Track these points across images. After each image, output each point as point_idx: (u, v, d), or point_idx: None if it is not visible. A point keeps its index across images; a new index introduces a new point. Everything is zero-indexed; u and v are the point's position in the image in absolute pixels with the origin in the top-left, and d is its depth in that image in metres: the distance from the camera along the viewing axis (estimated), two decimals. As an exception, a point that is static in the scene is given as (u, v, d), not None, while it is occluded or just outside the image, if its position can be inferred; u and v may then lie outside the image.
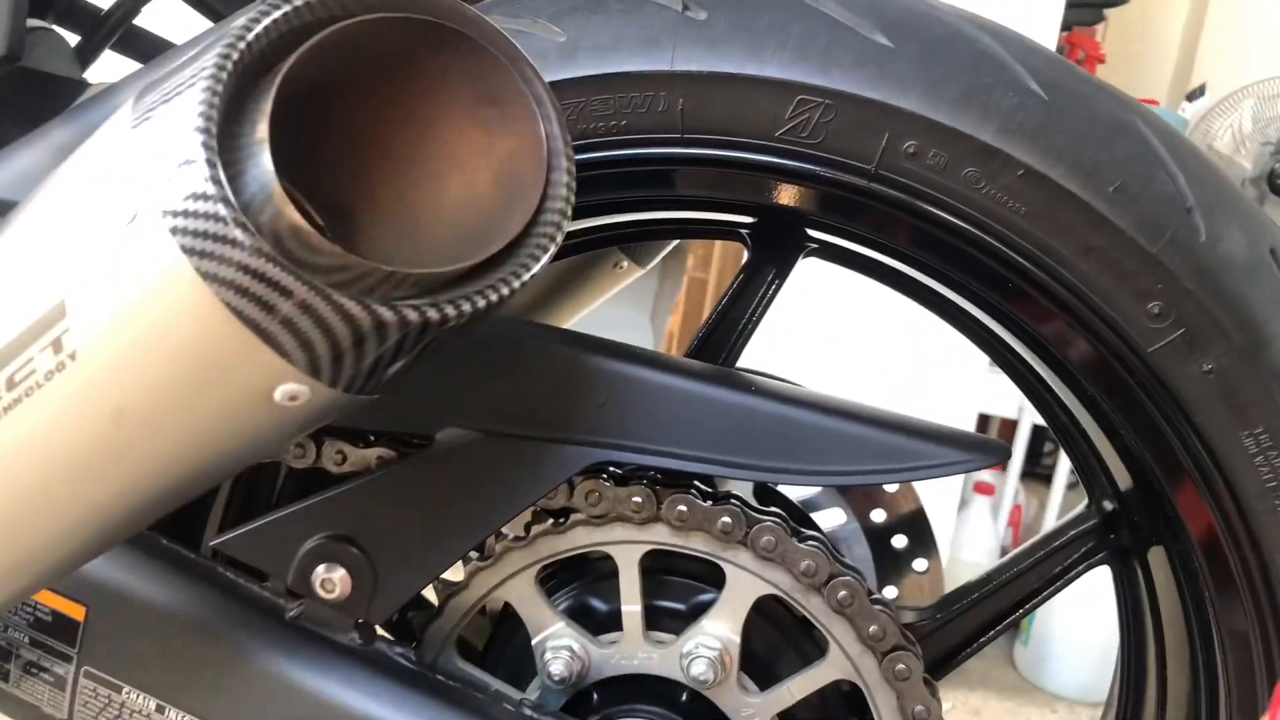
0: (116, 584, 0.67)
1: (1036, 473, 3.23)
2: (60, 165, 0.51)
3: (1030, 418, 2.48)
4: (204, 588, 0.67)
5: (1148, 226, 0.64)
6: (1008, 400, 2.41)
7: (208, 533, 0.76)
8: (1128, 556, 0.79)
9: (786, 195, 0.71)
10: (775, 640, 0.71)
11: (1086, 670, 2.24)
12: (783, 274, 0.81)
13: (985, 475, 2.48)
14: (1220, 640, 0.69)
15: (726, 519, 0.66)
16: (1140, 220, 0.64)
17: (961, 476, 2.25)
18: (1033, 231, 0.65)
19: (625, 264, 1.08)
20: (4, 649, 0.69)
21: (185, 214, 0.43)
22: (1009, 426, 2.59)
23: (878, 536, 1.04)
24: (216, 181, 0.43)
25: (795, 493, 0.99)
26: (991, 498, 2.47)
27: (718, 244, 2.44)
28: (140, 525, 0.54)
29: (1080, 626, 2.25)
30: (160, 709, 0.66)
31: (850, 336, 2.13)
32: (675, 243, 1.11)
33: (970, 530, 2.39)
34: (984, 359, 2.18)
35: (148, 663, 0.67)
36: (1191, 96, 2.74)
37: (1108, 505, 0.78)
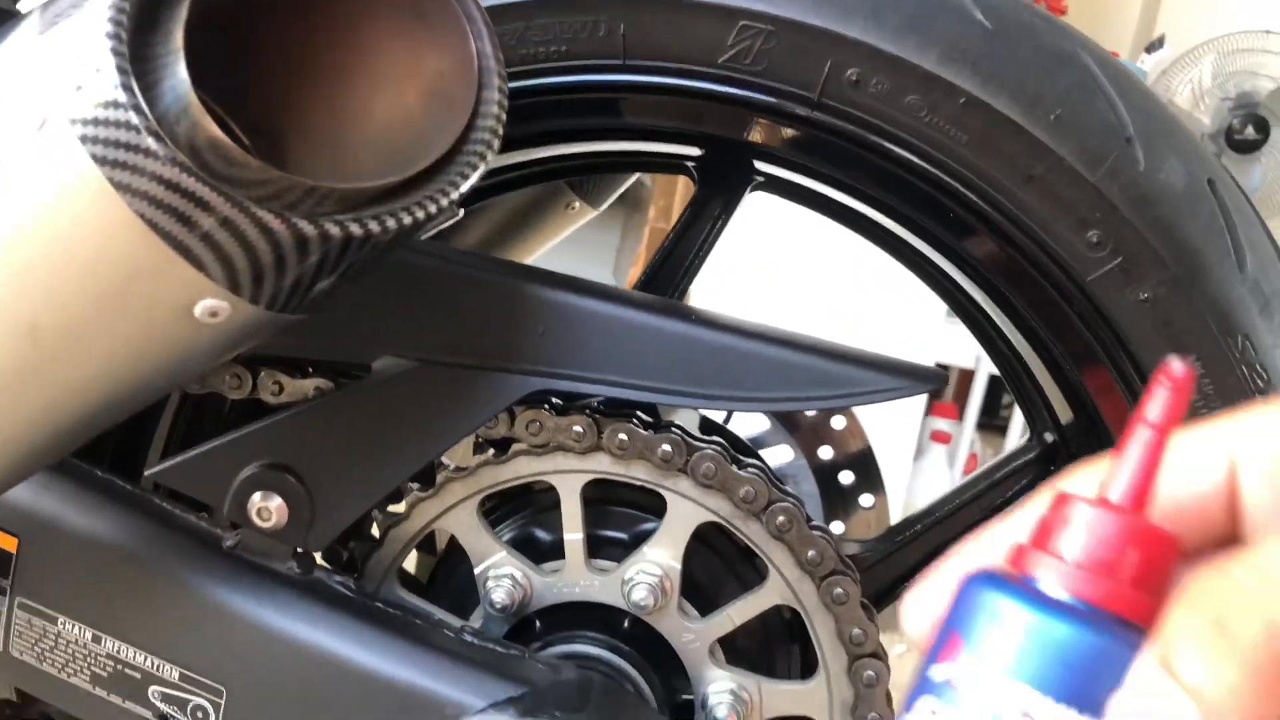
0: (49, 515, 0.66)
1: (994, 424, 3.27)
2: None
3: (987, 368, 2.51)
4: (140, 518, 0.66)
5: (1088, 155, 0.64)
6: (965, 350, 2.44)
7: (148, 464, 0.75)
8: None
9: (731, 125, 0.71)
10: (715, 567, 0.72)
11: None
12: (729, 208, 0.80)
13: (942, 424, 2.51)
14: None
15: (667, 447, 0.66)
16: (1080, 149, 0.64)
17: (918, 425, 2.27)
18: (974, 160, 0.65)
19: (577, 204, 1.07)
20: (-64, 582, 0.68)
21: (95, 122, 0.42)
22: (966, 377, 2.61)
23: (825, 473, 1.05)
24: (128, 89, 0.42)
25: (743, 430, 0.99)
26: (948, 446, 2.50)
27: (678, 195, 2.43)
28: (68, 446, 0.53)
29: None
30: (96, 639, 0.66)
31: (806, 286, 2.13)
32: (628, 183, 1.10)
33: (925, 478, 2.42)
34: (942, 307, 2.19)
35: (83, 593, 0.66)
36: (1150, 48, 2.74)
37: (1049, 438, 0.79)
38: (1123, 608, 0.31)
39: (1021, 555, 0.33)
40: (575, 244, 1.19)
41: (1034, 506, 0.34)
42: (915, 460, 2.39)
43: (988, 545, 0.35)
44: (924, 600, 0.35)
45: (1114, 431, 0.69)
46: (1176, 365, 0.32)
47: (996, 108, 0.63)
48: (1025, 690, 0.31)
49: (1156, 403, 0.32)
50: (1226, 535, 0.33)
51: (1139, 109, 0.65)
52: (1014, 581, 0.33)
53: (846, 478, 1.05)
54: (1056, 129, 0.63)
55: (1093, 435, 0.72)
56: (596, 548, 0.71)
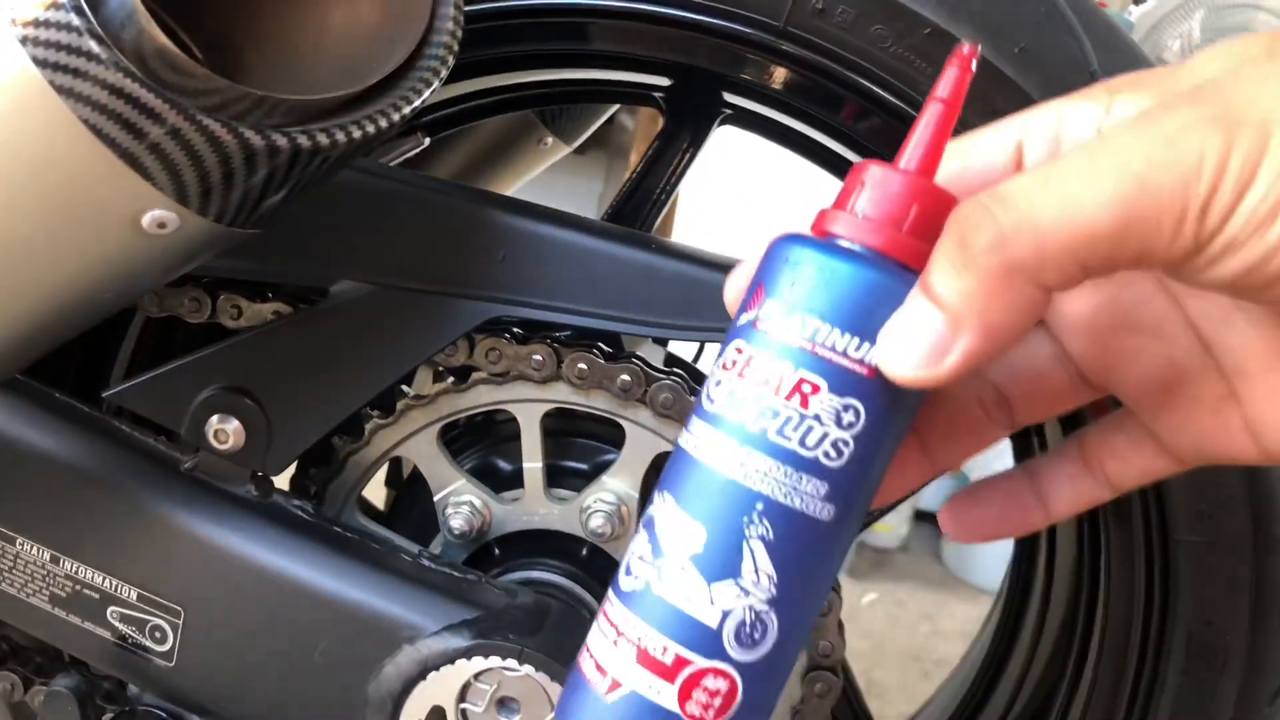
0: (8, 436, 0.66)
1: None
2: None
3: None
4: (98, 440, 0.66)
5: (1053, 89, 0.64)
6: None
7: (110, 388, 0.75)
8: (1025, 431, 0.81)
9: (698, 53, 0.70)
10: (674, 498, 0.72)
11: (1007, 564, 2.31)
12: (698, 142, 0.80)
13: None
14: (1105, 519, 0.71)
15: (626, 377, 0.66)
16: (1044, 83, 0.63)
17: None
18: (939, 93, 0.65)
19: (550, 140, 1.07)
20: (-106, 502, 0.68)
21: (36, 23, 0.42)
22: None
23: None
24: (69, -10, 0.41)
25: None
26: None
27: (662, 139, 2.42)
28: (18, 362, 0.53)
29: (1004, 522, 2.32)
30: (55, 559, 0.66)
31: (779, 220, 2.12)
32: (600, 119, 1.09)
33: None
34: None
35: (41, 514, 0.66)
36: (1139, 0, 2.72)
37: (1009, 377, 0.79)
38: (901, 253, 0.36)
39: (821, 216, 0.38)
40: (557, 189, 1.19)
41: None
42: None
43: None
44: (740, 275, 0.40)
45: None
46: (965, 47, 0.37)
47: (961, 39, 0.63)
48: (815, 321, 0.35)
49: (946, 81, 0.37)
50: None
51: (1104, 43, 0.65)
52: (811, 236, 0.38)
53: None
54: (1021, 62, 0.63)
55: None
56: (556, 478, 0.72)
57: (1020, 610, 0.88)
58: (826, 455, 0.36)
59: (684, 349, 1.04)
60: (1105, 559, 0.71)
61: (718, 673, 0.36)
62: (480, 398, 0.69)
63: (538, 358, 0.66)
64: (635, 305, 0.63)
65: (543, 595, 0.67)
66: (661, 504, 0.38)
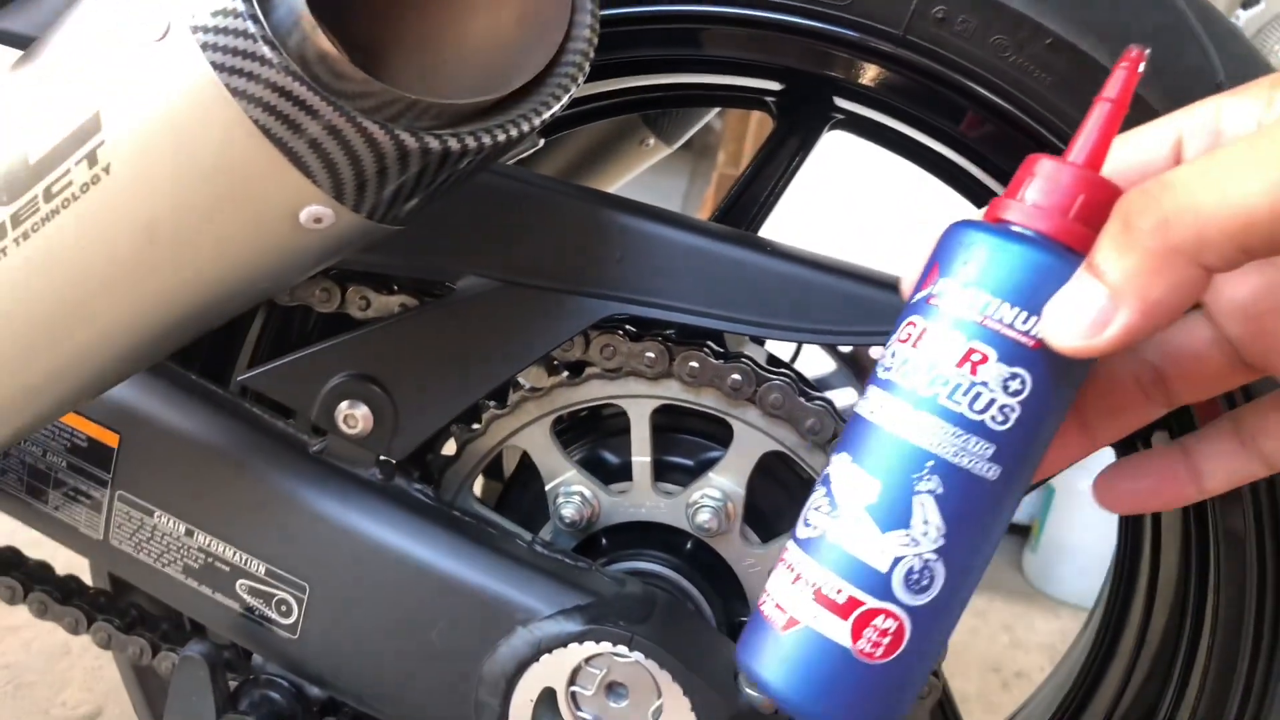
0: (149, 414, 0.70)
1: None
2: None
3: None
4: (232, 421, 0.70)
5: (1176, 99, 0.63)
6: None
7: (237, 371, 0.79)
8: (1131, 439, 0.80)
9: (813, 60, 0.71)
10: (779, 496, 0.73)
11: (1092, 577, 2.26)
12: (807, 146, 0.81)
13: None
14: (1216, 540, 0.70)
15: (737, 376, 0.67)
16: (1168, 93, 0.63)
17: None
18: (1058, 102, 0.65)
19: (652, 141, 1.09)
20: (43, 473, 0.73)
21: (215, 30, 0.45)
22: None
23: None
24: (246, -1, 0.44)
25: (811, 371, 1.00)
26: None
27: (749, 140, 2.42)
28: (171, 346, 0.57)
29: (1089, 535, 2.28)
30: (189, 533, 0.70)
31: (882, 230, 2.12)
32: (704, 120, 1.11)
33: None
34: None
35: (177, 489, 0.70)
36: (1246, 3, 2.64)
37: (1116, 387, 0.79)
38: (1067, 237, 0.39)
39: (993, 204, 0.42)
40: (642, 188, 1.21)
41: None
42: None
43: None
44: (914, 266, 0.44)
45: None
46: (1134, 50, 0.41)
47: (1083, 49, 0.63)
48: (986, 296, 0.39)
49: (1114, 81, 0.41)
50: None
51: (1231, 53, 0.64)
52: (984, 222, 0.42)
53: (909, 422, 1.05)
54: (1144, 72, 0.63)
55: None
56: (663, 472, 0.74)
57: (1119, 626, 0.87)
58: (994, 419, 0.39)
59: (781, 349, 1.05)
60: (1215, 575, 0.71)
61: (888, 614, 0.40)
62: (593, 392, 0.71)
63: (650, 355, 0.68)
64: (748, 306, 0.65)
65: (649, 586, 0.69)
66: (839, 463, 0.42)
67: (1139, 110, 0.63)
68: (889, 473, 0.40)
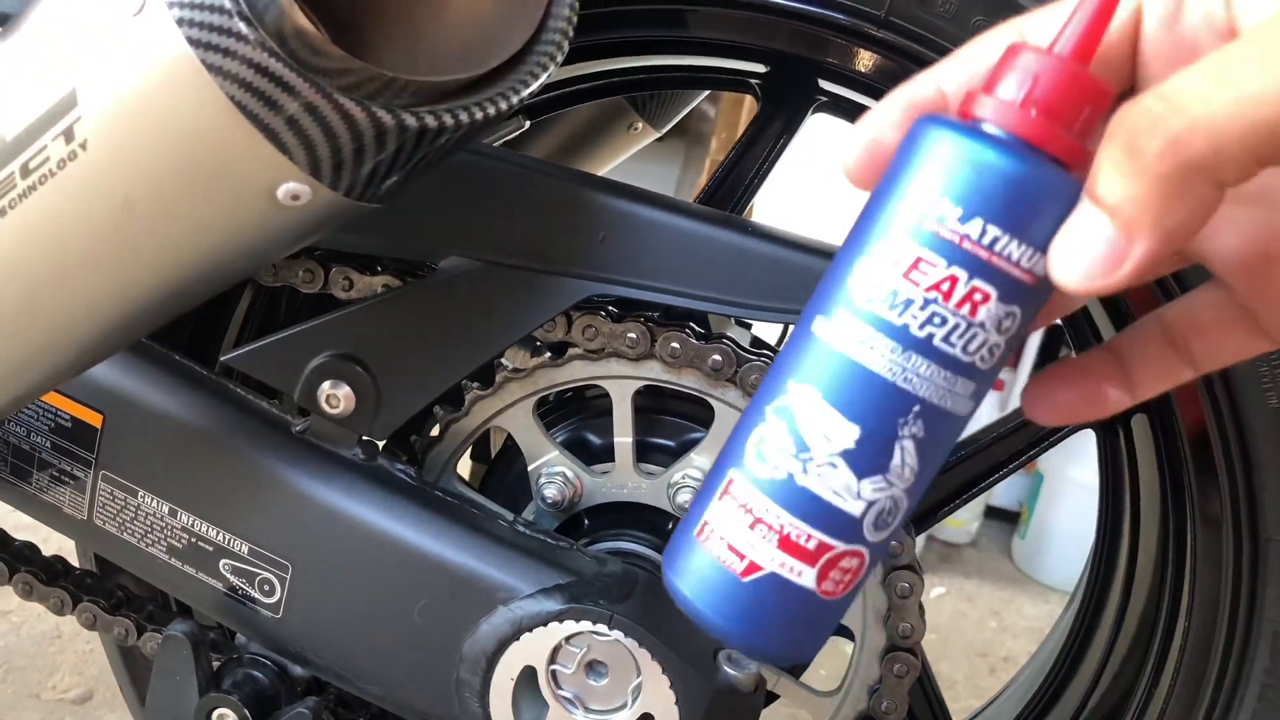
0: (132, 394, 0.70)
1: (1051, 376, 3.23)
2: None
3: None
4: (215, 401, 0.70)
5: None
6: (1025, 297, 2.41)
7: (222, 352, 0.79)
8: (1111, 423, 0.81)
9: (798, 42, 0.71)
10: (760, 477, 0.74)
11: (1080, 564, 2.27)
12: (791, 128, 0.81)
13: (997, 371, 2.49)
14: (1193, 524, 0.71)
15: (717, 357, 0.67)
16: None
17: (972, 370, 2.26)
18: (1040, 85, 0.65)
19: (640, 125, 1.09)
20: (27, 453, 0.73)
21: (191, 5, 0.44)
22: (1025, 324, 2.58)
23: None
24: (221, -26, 0.44)
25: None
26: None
27: (741, 128, 2.42)
28: (151, 324, 0.57)
29: (1078, 522, 2.29)
30: (173, 512, 0.70)
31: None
32: (691, 105, 1.11)
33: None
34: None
35: (161, 469, 0.70)
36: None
37: (1097, 371, 0.79)
38: (1060, 150, 0.36)
39: (970, 99, 0.37)
40: (635, 175, 1.21)
41: (981, 50, 0.39)
42: (966, 405, 2.38)
43: (928, 83, 0.40)
44: (870, 134, 0.40)
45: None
46: None
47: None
48: (994, 230, 0.35)
49: None
50: (1128, 89, 0.38)
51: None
52: (960, 122, 0.37)
53: (894, 406, 1.05)
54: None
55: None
56: (645, 453, 0.74)
57: (1097, 609, 0.88)
58: (982, 359, 0.37)
59: (767, 331, 1.05)
60: (1191, 558, 0.71)
61: (854, 554, 0.39)
62: (575, 373, 0.71)
63: (632, 335, 0.68)
64: (730, 287, 0.65)
65: (631, 565, 0.70)
66: (804, 399, 0.38)
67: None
68: (871, 418, 0.37)
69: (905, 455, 0.37)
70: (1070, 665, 0.87)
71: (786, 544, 0.38)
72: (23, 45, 0.50)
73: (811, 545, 0.38)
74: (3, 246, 0.51)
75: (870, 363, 0.37)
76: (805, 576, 0.38)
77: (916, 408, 0.37)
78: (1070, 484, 2.32)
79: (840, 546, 0.38)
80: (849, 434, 0.37)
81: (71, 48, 0.48)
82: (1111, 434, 0.81)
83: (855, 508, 0.38)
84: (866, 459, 0.37)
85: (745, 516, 0.39)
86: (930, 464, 0.38)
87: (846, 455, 0.37)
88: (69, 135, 0.48)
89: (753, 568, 0.39)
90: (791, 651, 0.40)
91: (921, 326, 0.36)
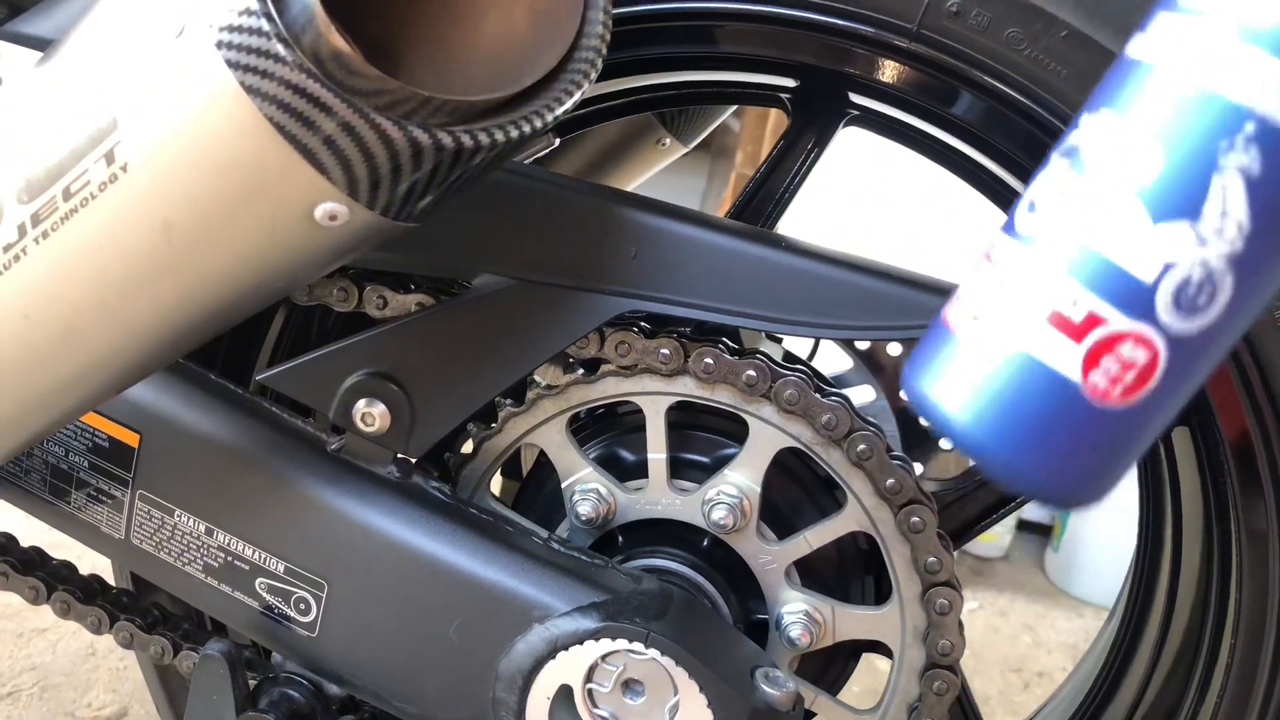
0: (168, 414, 0.70)
1: (1081, 387, 3.20)
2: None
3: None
4: (251, 420, 0.70)
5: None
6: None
7: (256, 371, 0.79)
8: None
9: (828, 56, 0.71)
10: (794, 492, 0.73)
11: (1115, 577, 2.24)
12: (822, 142, 0.81)
13: (1027, 383, 2.47)
14: (1238, 538, 0.70)
15: (751, 372, 0.67)
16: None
17: (1002, 382, 2.24)
18: (1074, 96, 0.64)
19: (668, 140, 1.09)
20: (65, 473, 0.73)
21: (230, 29, 0.45)
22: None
23: (907, 415, 1.05)
24: (260, -3, 0.45)
25: (828, 369, 1.00)
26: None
27: (766, 141, 2.42)
28: (190, 343, 0.57)
29: (1112, 534, 2.26)
30: (209, 531, 0.70)
31: (895, 231, 2.11)
32: (718, 120, 1.11)
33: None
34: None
35: (197, 488, 0.70)
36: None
37: (1136, 383, 0.78)
38: None
39: None
40: (660, 188, 1.21)
41: None
42: (996, 417, 2.35)
43: None
44: None
45: (1207, 390, 0.68)
46: None
47: (1099, 41, 0.63)
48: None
49: None
50: None
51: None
52: None
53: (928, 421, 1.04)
54: (1161, 64, 0.63)
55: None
56: (679, 469, 0.74)
57: (1139, 626, 0.86)
58: None
59: (799, 346, 1.05)
60: (1237, 573, 0.70)
61: (1139, 339, 0.29)
62: (608, 389, 0.71)
63: (665, 351, 0.68)
64: (763, 302, 0.65)
65: (665, 583, 0.69)
66: (1096, 125, 0.30)
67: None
68: (1180, 137, 0.27)
69: (1228, 199, 0.27)
70: (1112, 683, 0.86)
71: (1044, 309, 0.29)
72: (64, 70, 0.51)
73: (1079, 314, 0.28)
74: (45, 269, 0.51)
75: (1181, 62, 0.28)
76: (1065, 359, 0.28)
77: (1250, 126, 0.27)
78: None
79: (1118, 322, 0.28)
80: (1148, 161, 0.28)
81: (112, 71, 0.48)
82: (1151, 447, 0.80)
83: (1146, 267, 0.28)
84: (1170, 197, 0.28)
85: (996, 277, 0.30)
86: (1276, 231, 0.27)
87: (1142, 192, 0.28)
88: (110, 158, 0.48)
89: (999, 343, 0.29)
90: (1051, 474, 0.30)
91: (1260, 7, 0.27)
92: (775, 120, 2.34)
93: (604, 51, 0.54)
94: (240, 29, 0.45)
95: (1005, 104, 0.66)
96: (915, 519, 0.68)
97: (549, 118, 0.51)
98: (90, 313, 0.53)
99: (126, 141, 0.48)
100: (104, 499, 0.73)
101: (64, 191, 0.50)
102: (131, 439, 0.71)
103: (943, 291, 0.64)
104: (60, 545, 0.79)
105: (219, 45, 0.45)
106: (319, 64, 0.46)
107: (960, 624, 0.70)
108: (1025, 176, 0.71)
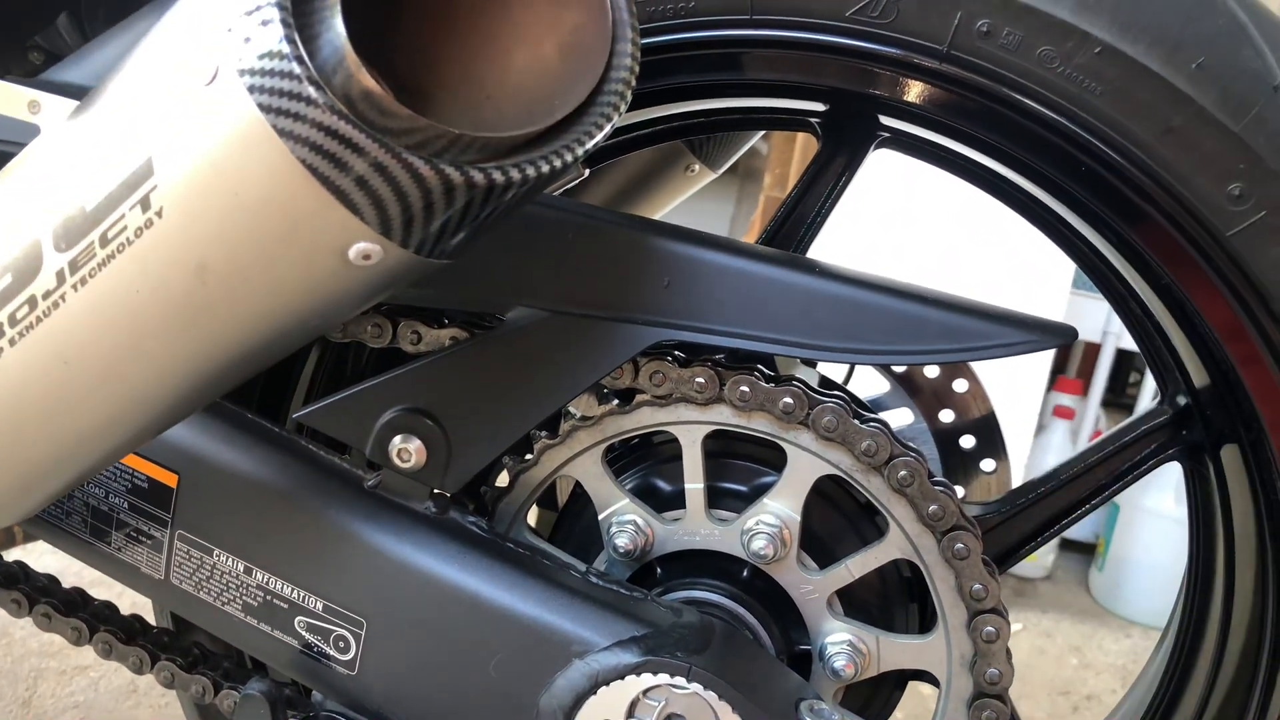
0: (206, 453, 0.71)
1: (1120, 403, 3.16)
2: (144, 40, 0.53)
3: (1114, 342, 2.43)
4: (288, 458, 0.70)
5: (1231, 105, 0.62)
6: (1091, 323, 2.37)
7: (292, 409, 0.79)
8: (1199, 453, 0.78)
9: (858, 79, 0.70)
10: (835, 521, 0.72)
11: (1162, 596, 2.21)
12: (853, 166, 0.80)
13: (1066, 400, 2.44)
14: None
15: (789, 399, 0.66)
16: (1224, 98, 0.62)
17: (1039, 400, 2.22)
18: (1109, 112, 0.64)
19: (697, 167, 1.09)
20: (105, 514, 0.74)
21: (262, 72, 0.45)
22: (1092, 351, 2.53)
23: (946, 437, 1.04)
24: (291, 40, 0.45)
25: (862, 392, 0.99)
26: (1071, 422, 2.43)
27: (794, 164, 2.41)
28: (227, 385, 0.57)
29: (1158, 552, 2.22)
30: (248, 570, 0.70)
31: (924, 259, 2.10)
32: (747, 145, 1.11)
33: (1046, 454, 2.36)
34: (1067, 280, 2.13)
35: (236, 527, 0.70)
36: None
37: (1181, 401, 0.77)
38: None
39: None
40: (688, 214, 1.21)
41: None
42: (1036, 436, 2.33)
43: None
44: None
45: (1254, 394, 0.67)
46: None
47: (1133, 56, 0.62)
48: None
49: None
50: None
51: (1288, 55, 0.62)
52: None
53: (968, 442, 1.03)
54: (1198, 78, 0.62)
55: (1230, 399, 0.70)
56: (716, 499, 0.73)
57: (1193, 649, 0.84)
58: None
59: (834, 371, 1.04)
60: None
61: None
62: (643, 419, 0.70)
63: (700, 380, 0.68)
64: (799, 328, 0.64)
65: (706, 615, 0.68)
66: None
67: (1199, 120, 0.62)
68: None
69: None
70: (1168, 707, 0.83)
71: None
72: (100, 118, 0.51)
73: None
74: (84, 315, 0.52)
75: None
76: None
77: None
78: (1148, 514, 2.26)
79: None
80: None
81: (146, 118, 0.49)
82: (1200, 465, 0.78)
83: None
84: None
85: None
86: None
87: None
88: (145, 204, 0.49)
89: None
90: None
91: None
92: (803, 142, 2.33)
93: (634, 82, 0.54)
94: (272, 72, 0.45)
95: (1040, 123, 0.65)
96: (959, 545, 0.66)
97: (580, 151, 0.51)
98: (129, 356, 0.53)
99: (162, 187, 0.48)
100: (144, 539, 0.73)
101: (101, 238, 0.50)
102: (170, 479, 0.72)
103: (977, 313, 0.63)
104: (99, 583, 0.79)
105: (251, 89, 0.45)
106: (350, 105, 0.46)
107: (1008, 651, 0.68)
108: (1063, 196, 0.70)
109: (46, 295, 0.53)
